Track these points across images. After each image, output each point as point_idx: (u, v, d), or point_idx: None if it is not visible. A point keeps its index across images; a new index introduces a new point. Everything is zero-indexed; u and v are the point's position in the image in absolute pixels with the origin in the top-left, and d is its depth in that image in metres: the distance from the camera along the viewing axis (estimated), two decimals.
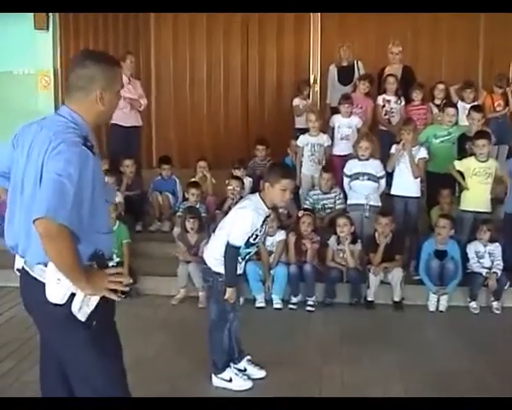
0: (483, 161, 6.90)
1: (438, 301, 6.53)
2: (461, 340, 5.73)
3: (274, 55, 10.62)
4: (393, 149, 7.21)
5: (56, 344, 2.97)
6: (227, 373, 4.74)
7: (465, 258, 6.69)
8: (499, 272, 6.53)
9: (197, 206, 7.43)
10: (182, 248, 6.86)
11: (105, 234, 2.95)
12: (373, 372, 4.99)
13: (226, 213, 6.69)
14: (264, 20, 10.45)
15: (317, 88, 10.11)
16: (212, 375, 4.76)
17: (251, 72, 10.71)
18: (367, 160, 7.15)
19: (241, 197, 7.40)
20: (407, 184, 7.11)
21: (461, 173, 7.01)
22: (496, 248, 6.65)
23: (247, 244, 4.52)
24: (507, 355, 5.39)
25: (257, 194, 4.64)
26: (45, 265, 2.75)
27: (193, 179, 7.99)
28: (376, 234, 6.73)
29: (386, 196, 7.37)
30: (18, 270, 2.99)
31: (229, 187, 7.52)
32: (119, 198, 7.46)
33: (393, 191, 7.21)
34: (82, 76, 2.86)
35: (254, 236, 4.50)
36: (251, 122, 10.72)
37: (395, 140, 7.56)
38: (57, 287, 2.75)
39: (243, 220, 4.46)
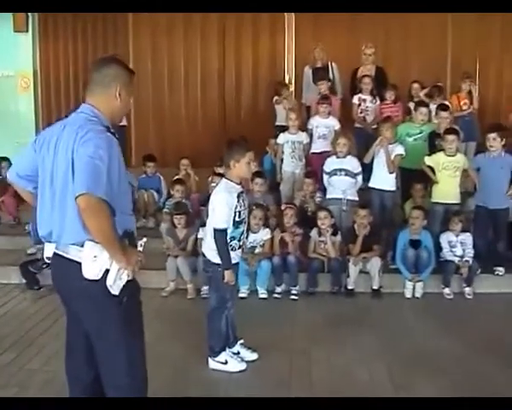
0: (451, 156, 7.29)
1: (414, 288, 6.90)
2: (437, 323, 6.12)
3: (250, 56, 10.92)
4: (374, 145, 7.57)
5: (89, 320, 3.25)
6: (223, 356, 5.06)
7: (438, 247, 7.09)
8: (470, 260, 6.95)
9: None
10: (170, 243, 7.13)
11: (130, 215, 3.29)
12: (357, 354, 5.34)
13: None
14: (239, 22, 10.75)
15: (292, 88, 10.38)
16: (209, 358, 5.08)
17: (227, 73, 10.99)
18: (344, 157, 7.50)
19: None
20: (383, 179, 7.48)
21: (431, 168, 7.40)
22: (467, 238, 7.06)
23: (235, 224, 4.84)
24: (479, 335, 5.77)
25: (223, 179, 4.99)
26: (81, 245, 3.06)
27: (177, 177, 8.26)
28: (355, 226, 7.09)
29: (364, 189, 7.73)
30: (48, 258, 3.28)
31: (213, 184, 7.76)
32: None
33: (371, 185, 7.58)
34: (106, 74, 3.26)
35: (237, 213, 4.82)
36: (228, 122, 10.99)
37: (370, 137, 7.99)
38: (93, 264, 3.06)
39: (219, 204, 4.81)
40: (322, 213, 7.06)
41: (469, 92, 8.95)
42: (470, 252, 7.00)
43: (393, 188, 7.58)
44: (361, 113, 8.74)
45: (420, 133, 7.93)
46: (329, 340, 5.63)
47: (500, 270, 7.08)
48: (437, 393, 4.51)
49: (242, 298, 6.80)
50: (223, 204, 4.78)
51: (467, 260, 6.95)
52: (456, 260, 6.98)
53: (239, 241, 4.96)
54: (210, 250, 4.95)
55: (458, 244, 7.05)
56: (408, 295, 6.91)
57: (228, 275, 4.87)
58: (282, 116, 9.07)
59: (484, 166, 7.22)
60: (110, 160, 3.03)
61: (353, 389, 4.66)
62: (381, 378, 4.86)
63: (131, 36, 10.98)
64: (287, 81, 10.42)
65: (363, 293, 6.98)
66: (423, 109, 7.99)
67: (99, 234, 2.99)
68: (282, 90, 9.30)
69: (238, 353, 5.19)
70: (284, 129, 8.48)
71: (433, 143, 7.80)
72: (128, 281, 3.15)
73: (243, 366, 5.06)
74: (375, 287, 6.93)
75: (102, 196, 2.95)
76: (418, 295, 6.90)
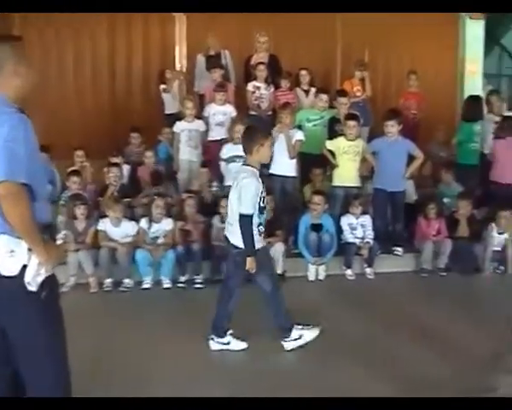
0: (352, 140, 7.47)
1: (317, 271, 7.05)
2: (341, 303, 6.32)
3: (140, 45, 10.68)
4: (274, 131, 7.56)
5: (7, 318, 3.03)
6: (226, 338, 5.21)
7: (339, 230, 7.26)
8: (371, 242, 7.17)
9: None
10: (69, 237, 6.85)
11: (46, 203, 3.10)
12: (272, 338, 5.32)
13: (117, 200, 6.84)
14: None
15: (183, 77, 10.26)
16: (211, 341, 5.22)
17: (118, 62, 10.70)
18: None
19: (122, 184, 7.55)
20: (284, 165, 7.52)
21: (331, 153, 7.53)
22: (367, 220, 7.29)
23: (260, 210, 4.86)
24: (382, 310, 6.05)
25: (243, 166, 5.04)
26: None
27: (73, 168, 8.00)
28: None
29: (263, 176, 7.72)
30: None
31: (111, 174, 7.60)
32: None
33: (272, 171, 7.57)
34: None
35: (262, 199, 4.85)
36: (119, 112, 10.68)
37: (265, 124, 8.01)
38: (10, 259, 2.88)
39: (249, 190, 4.80)
40: (223, 202, 7.00)
41: (362, 79, 9.15)
42: (370, 234, 7.22)
43: (294, 174, 7.65)
44: (255, 100, 8.75)
45: (320, 119, 8.08)
46: (245, 326, 5.53)
47: (399, 250, 7.36)
48: (362, 372, 4.64)
49: (146, 289, 6.75)
50: (252, 190, 4.80)
51: (367, 242, 7.16)
52: (357, 241, 7.18)
53: (264, 226, 4.99)
54: (235, 235, 4.95)
55: (359, 226, 7.25)
56: (311, 277, 7.04)
57: (250, 262, 4.88)
58: (170, 105, 9.16)
59: (381, 150, 7.45)
60: (26, 140, 2.86)
61: (276, 375, 4.70)
62: (306, 362, 4.95)
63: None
64: (178, 69, 10.29)
65: None
66: (323, 96, 8.17)
67: (20, 224, 2.83)
68: (166, 76, 9.35)
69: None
70: (177, 117, 8.44)
71: (333, 128, 7.96)
72: (47, 276, 2.99)
73: (244, 345, 5.22)
74: (279, 271, 6.92)
75: (24, 180, 2.80)
76: (321, 277, 7.05)
